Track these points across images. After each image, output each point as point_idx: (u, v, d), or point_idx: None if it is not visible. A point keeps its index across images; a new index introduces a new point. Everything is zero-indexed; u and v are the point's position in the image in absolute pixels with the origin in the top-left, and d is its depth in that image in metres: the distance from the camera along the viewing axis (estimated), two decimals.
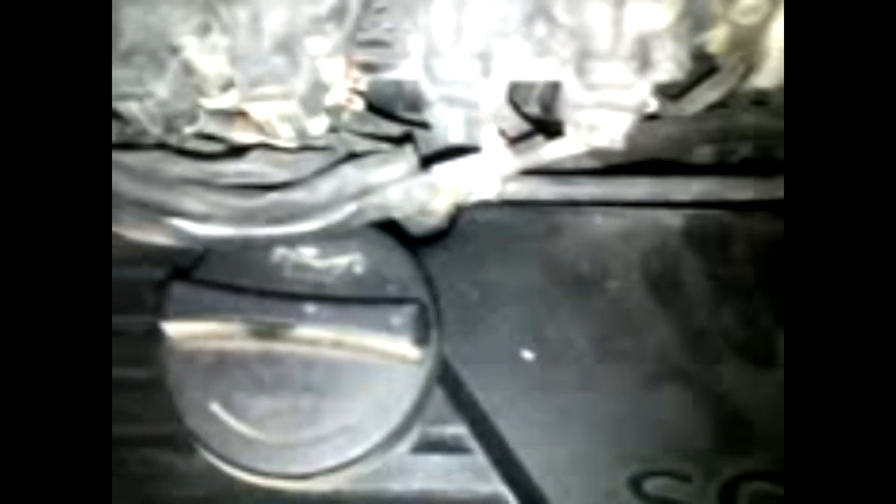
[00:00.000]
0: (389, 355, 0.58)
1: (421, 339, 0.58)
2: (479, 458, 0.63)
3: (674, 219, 0.75)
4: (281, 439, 0.57)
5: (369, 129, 0.72)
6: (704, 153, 0.88)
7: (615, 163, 0.82)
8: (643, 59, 0.55)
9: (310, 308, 0.57)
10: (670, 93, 0.80)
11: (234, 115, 0.69)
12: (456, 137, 0.62)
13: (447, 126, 0.61)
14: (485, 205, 0.74)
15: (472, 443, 0.64)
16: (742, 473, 0.62)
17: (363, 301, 0.59)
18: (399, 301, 0.59)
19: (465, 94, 0.56)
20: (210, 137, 0.70)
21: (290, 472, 0.57)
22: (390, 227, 0.70)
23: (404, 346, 0.57)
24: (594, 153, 0.82)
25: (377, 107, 0.73)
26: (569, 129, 0.62)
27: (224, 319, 0.57)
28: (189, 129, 0.67)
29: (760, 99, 0.84)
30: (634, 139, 0.83)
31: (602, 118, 0.58)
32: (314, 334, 0.57)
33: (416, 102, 0.69)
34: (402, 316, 0.57)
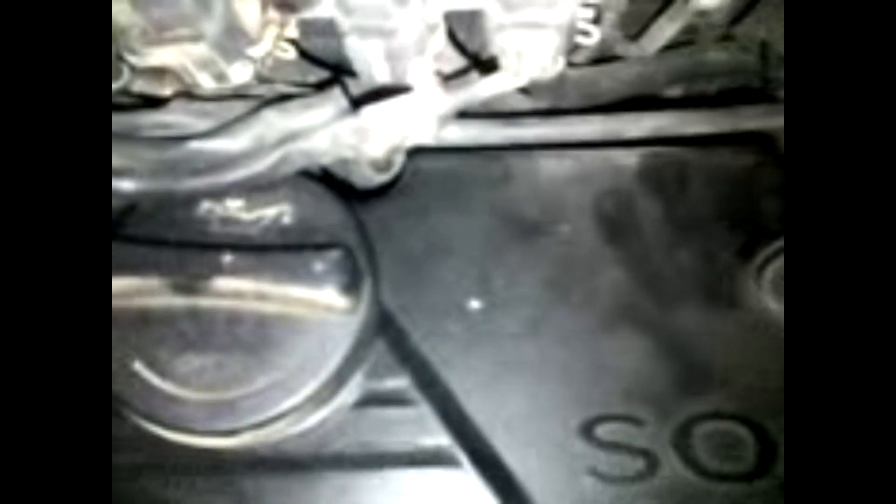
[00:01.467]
0: (315, 304, 0.55)
1: (348, 287, 0.56)
2: (425, 410, 0.61)
3: (628, 157, 0.72)
4: (208, 396, 0.55)
5: (311, 79, 0.70)
6: (673, 93, 0.85)
7: (578, 106, 0.79)
8: None
9: (227, 258, 0.55)
10: (630, 33, 0.77)
11: (164, 73, 0.67)
12: (381, 75, 0.59)
13: (369, 62, 0.58)
14: (431, 151, 0.71)
15: (417, 395, 0.61)
16: (697, 414, 0.59)
17: (284, 248, 0.56)
18: (325, 248, 0.57)
19: (377, 23, 0.53)
20: (139, 96, 0.68)
21: (218, 428, 0.55)
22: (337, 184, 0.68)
23: (329, 294, 0.55)
24: (551, 97, 0.79)
25: (313, 55, 0.70)
26: (500, 61, 0.59)
27: (143, 274, 0.55)
28: (112, 85, 0.65)
29: (727, 34, 0.80)
30: (599, 82, 0.81)
31: (527, 41, 0.54)
32: (237, 286, 0.55)
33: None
34: (325, 262, 0.55)
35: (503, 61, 0.59)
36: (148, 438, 0.57)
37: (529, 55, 0.56)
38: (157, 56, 0.63)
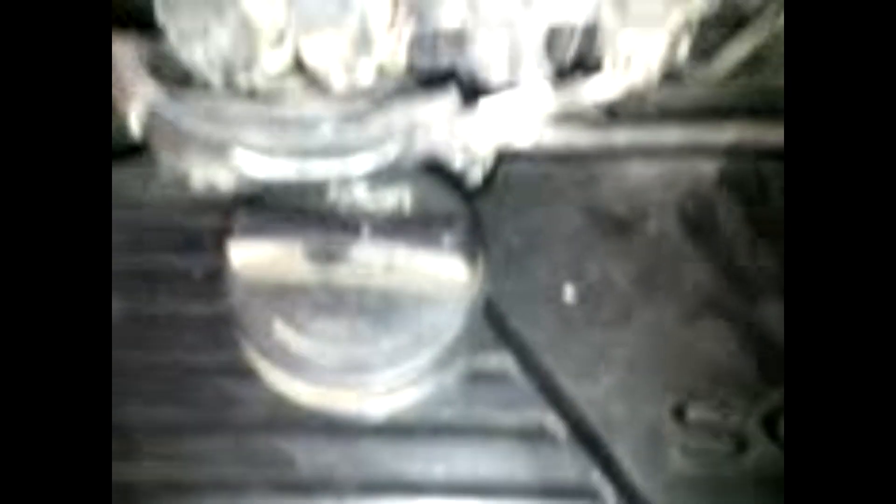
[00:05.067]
0: (439, 275, 0.61)
1: (470, 259, 0.61)
2: (526, 387, 0.65)
3: (709, 164, 0.77)
4: (337, 361, 0.60)
5: None
6: None
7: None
8: None
9: (366, 227, 0.61)
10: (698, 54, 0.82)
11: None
12: (498, 74, 0.65)
13: (490, 58, 0.63)
14: (524, 157, 0.76)
15: (518, 374, 0.66)
16: (783, 405, 0.63)
17: (416, 220, 0.63)
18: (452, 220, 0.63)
19: (506, 32, 0.59)
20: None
21: (346, 385, 0.60)
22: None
23: (455, 264, 0.60)
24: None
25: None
26: (607, 64, 0.64)
27: (286, 243, 0.61)
28: (244, 81, 0.71)
29: None
30: (671, 102, 0.86)
31: (637, 43, 0.60)
32: (369, 257, 0.61)
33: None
34: (453, 233, 0.61)
35: (609, 64, 0.64)
36: (279, 401, 0.61)
37: (638, 60, 0.61)
38: (283, 56, 0.69)
